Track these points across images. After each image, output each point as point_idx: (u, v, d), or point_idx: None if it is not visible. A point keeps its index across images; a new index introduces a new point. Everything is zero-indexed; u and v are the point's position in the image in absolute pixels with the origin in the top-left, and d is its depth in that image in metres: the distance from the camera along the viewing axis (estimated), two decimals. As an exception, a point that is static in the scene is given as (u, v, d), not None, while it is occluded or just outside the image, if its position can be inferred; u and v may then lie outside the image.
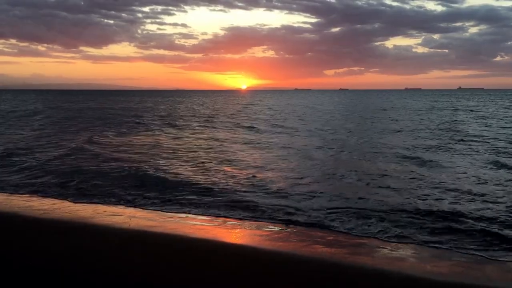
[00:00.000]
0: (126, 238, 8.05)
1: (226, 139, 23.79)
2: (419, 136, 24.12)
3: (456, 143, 20.72)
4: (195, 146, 20.62)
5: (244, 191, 11.62)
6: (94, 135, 24.66)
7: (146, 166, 14.95)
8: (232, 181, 12.90)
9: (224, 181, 12.81)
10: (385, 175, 13.61)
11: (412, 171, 14.11)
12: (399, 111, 50.41)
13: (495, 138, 22.39)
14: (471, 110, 49.56)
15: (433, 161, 15.76)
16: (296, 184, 12.52)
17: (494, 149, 18.68)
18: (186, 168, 14.90)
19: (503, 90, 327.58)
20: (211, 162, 16.06)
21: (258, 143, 21.70)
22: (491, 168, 14.60)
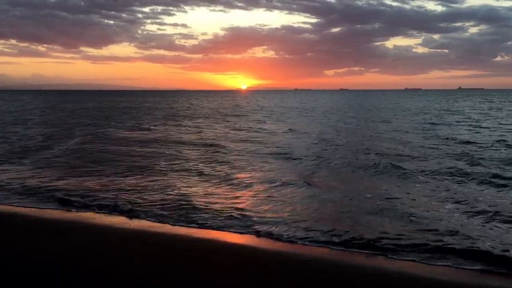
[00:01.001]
0: (126, 238, 8.05)
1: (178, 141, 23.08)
2: (393, 138, 22.72)
3: (430, 148, 19.03)
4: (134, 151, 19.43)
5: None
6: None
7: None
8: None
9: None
10: (336, 187, 12.05)
11: (361, 178, 13.34)
12: (386, 112, 49.31)
13: (472, 142, 20.77)
14: (461, 111, 48.11)
15: (397, 168, 14.29)
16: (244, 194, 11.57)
17: (464, 155, 16.83)
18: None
19: (503, 90, 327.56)
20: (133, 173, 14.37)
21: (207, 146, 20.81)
22: (452, 177, 12.97)
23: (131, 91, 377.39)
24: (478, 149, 18.62)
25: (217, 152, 18.70)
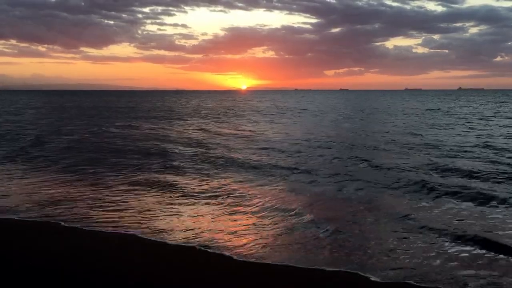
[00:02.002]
0: (126, 238, 8.04)
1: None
2: (352, 145, 20.46)
3: (398, 152, 17.85)
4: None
5: None
6: None
7: None
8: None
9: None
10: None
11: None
12: (376, 113, 48.02)
13: (440, 145, 19.51)
14: (449, 112, 45.91)
15: (346, 175, 13.37)
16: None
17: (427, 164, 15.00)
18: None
19: (503, 90, 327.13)
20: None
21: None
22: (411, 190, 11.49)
23: (131, 92, 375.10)
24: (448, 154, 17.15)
25: (160, 156, 17.50)
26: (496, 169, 13.96)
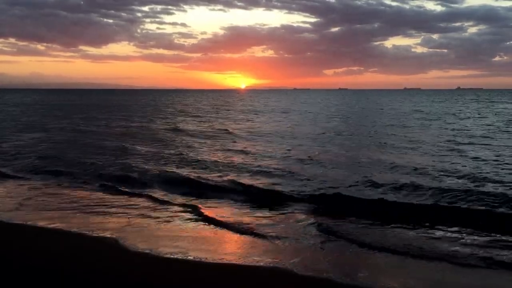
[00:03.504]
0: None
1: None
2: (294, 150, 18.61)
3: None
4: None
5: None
6: None
7: None
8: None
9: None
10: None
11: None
12: (360, 113, 47.20)
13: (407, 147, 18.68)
14: (433, 112, 44.28)
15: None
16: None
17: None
18: None
19: (502, 90, 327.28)
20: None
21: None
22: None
23: (130, 90, 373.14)
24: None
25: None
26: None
